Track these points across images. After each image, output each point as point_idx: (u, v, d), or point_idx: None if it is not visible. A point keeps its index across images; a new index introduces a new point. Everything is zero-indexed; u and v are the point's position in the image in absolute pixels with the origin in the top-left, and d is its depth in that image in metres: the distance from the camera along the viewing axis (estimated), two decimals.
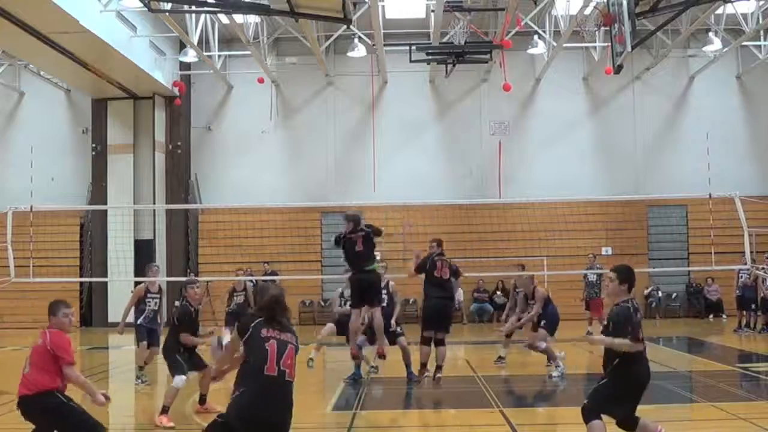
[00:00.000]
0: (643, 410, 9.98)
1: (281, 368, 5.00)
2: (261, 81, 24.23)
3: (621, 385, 6.33)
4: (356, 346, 11.63)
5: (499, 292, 24.17)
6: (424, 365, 10.90)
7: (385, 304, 11.88)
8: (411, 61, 19.64)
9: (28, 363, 6.51)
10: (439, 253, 11.26)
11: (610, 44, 14.06)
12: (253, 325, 5.13)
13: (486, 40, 20.96)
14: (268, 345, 5.02)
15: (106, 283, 23.74)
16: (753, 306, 19.28)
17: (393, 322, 12.00)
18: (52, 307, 6.55)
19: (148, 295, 12.52)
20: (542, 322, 12.63)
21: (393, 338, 11.97)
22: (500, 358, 13.86)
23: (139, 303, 12.57)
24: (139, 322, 12.37)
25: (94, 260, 24.65)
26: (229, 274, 23.90)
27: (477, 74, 25.13)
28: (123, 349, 19.42)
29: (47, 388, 6.30)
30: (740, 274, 19.26)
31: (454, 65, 19.30)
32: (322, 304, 24.07)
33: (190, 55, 23.38)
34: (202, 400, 9.90)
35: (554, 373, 12.14)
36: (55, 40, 18.90)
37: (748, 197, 17.18)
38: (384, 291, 12.05)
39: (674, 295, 24.70)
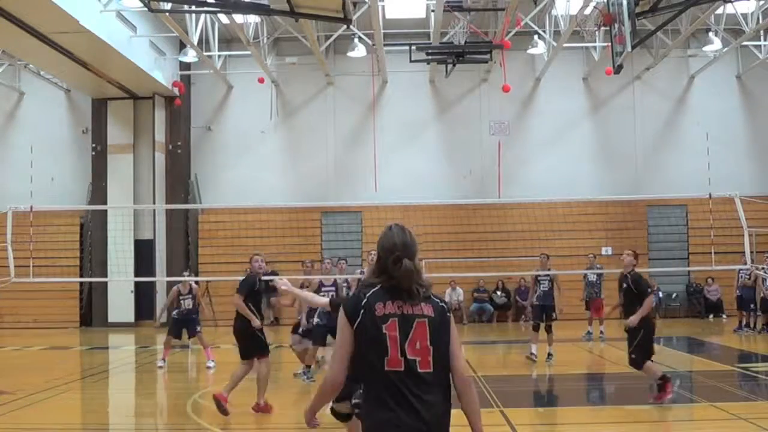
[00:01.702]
0: (643, 410, 10.02)
1: (408, 357, 3.47)
2: (261, 81, 24.23)
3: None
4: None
5: (499, 292, 24.19)
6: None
7: None
8: (411, 61, 19.64)
9: None
10: None
11: (610, 44, 14.06)
12: (364, 302, 3.55)
13: (486, 40, 20.95)
14: (386, 328, 3.50)
15: (106, 283, 23.75)
16: (752, 306, 19.27)
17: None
18: None
19: (323, 289, 12.40)
20: (300, 329, 12.42)
21: None
22: (549, 354, 14.26)
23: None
24: (315, 321, 12.12)
25: (94, 260, 24.65)
26: (229, 274, 23.95)
27: (477, 74, 25.13)
28: (123, 349, 19.44)
29: None
30: (740, 274, 19.26)
31: (454, 65, 19.30)
32: None
33: (190, 55, 23.39)
34: None
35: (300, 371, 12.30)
36: (55, 40, 18.90)
37: (748, 197, 17.18)
38: None
39: (674, 295, 24.70)
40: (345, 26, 19.86)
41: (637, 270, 10.37)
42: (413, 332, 3.50)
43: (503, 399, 10.59)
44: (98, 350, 19.26)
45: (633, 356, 9.87)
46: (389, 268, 3.59)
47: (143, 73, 22.30)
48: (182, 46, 23.65)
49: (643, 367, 9.78)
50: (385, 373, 3.47)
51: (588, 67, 25.17)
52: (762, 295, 18.58)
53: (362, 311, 3.53)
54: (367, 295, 3.57)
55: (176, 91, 24.41)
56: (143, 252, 24.01)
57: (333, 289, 12.36)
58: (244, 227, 23.76)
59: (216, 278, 22.05)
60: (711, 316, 23.64)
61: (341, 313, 3.60)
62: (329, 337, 11.43)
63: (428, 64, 22.00)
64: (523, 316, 23.81)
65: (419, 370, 3.47)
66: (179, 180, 25.04)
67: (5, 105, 26.27)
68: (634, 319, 9.72)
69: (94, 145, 24.91)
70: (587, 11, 18.36)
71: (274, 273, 23.05)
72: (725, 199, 15.63)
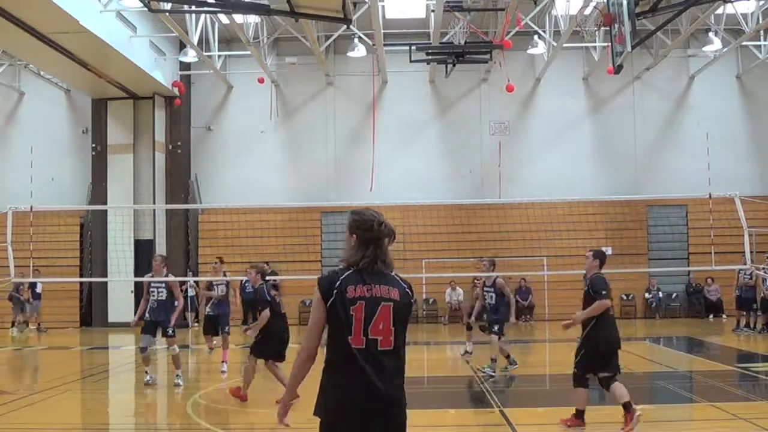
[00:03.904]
0: (642, 410, 10.01)
1: (370, 337, 3.81)
2: (261, 81, 24.24)
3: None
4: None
5: None
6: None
7: (493, 302, 12.67)
8: (411, 61, 19.65)
9: None
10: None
11: (610, 44, 14.07)
12: (338, 284, 3.87)
13: (486, 40, 20.96)
14: (353, 309, 3.83)
15: (106, 283, 23.74)
16: (754, 306, 19.24)
17: (513, 318, 13.09)
18: None
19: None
20: (169, 331, 12.09)
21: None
22: (467, 352, 14.61)
23: None
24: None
25: (94, 260, 24.65)
26: (230, 275, 23.94)
27: (477, 74, 25.14)
28: (123, 349, 19.44)
29: None
30: (740, 274, 19.24)
31: (454, 65, 19.31)
32: None
33: (190, 55, 23.39)
34: None
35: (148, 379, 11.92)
36: (55, 40, 18.90)
37: (748, 197, 17.18)
38: (491, 289, 12.83)
39: (674, 295, 24.70)
40: (345, 26, 19.86)
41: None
42: (378, 314, 3.84)
43: (503, 399, 10.59)
44: (98, 350, 19.25)
45: (575, 370, 8.49)
46: (374, 230, 3.93)
47: (143, 73, 22.29)
48: (182, 46, 23.64)
49: (610, 388, 8.26)
50: (349, 349, 3.80)
51: (588, 67, 25.17)
52: (762, 295, 18.57)
53: (335, 292, 3.85)
54: (341, 278, 3.89)
55: (176, 91, 24.41)
56: (143, 252, 23.98)
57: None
58: (244, 227, 23.77)
59: (216, 278, 22.01)
60: (711, 316, 23.63)
61: (317, 291, 3.89)
62: None
63: (428, 64, 22.00)
64: (522, 316, 23.81)
65: (379, 348, 3.83)
66: (179, 180, 25.03)
67: (5, 105, 26.27)
68: (577, 317, 8.35)
69: (94, 145, 24.91)
70: (587, 11, 18.39)
71: (273, 273, 23.16)
72: (725, 199, 15.63)
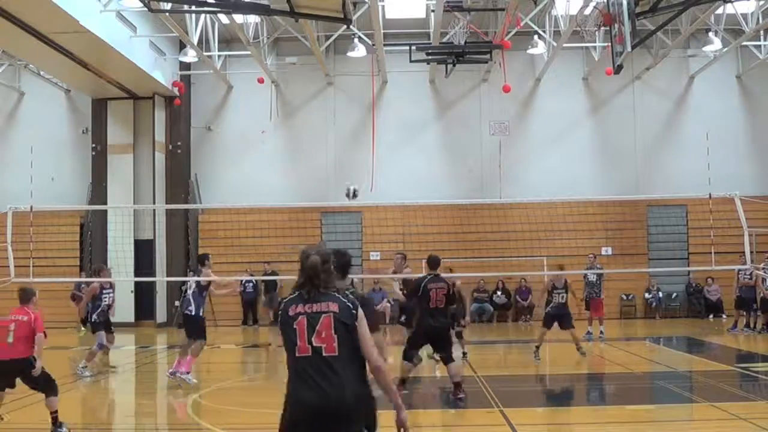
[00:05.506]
0: (643, 410, 10.03)
1: (314, 345, 4.40)
2: (261, 81, 24.24)
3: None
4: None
5: (499, 292, 24.19)
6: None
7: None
8: (411, 61, 19.64)
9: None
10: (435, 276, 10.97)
11: (610, 44, 14.07)
12: (282, 307, 4.60)
13: (486, 40, 20.94)
14: (296, 324, 4.47)
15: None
16: (754, 306, 19.24)
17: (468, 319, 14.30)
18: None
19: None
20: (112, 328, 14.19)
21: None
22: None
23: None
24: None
25: (94, 260, 24.60)
26: (230, 274, 23.99)
27: (477, 74, 25.13)
28: (123, 349, 19.43)
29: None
30: (740, 274, 19.23)
31: (454, 65, 19.30)
32: None
33: (190, 55, 23.38)
34: None
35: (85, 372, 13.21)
36: (55, 40, 18.90)
37: (748, 197, 17.17)
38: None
39: (674, 295, 24.70)
40: (345, 26, 19.85)
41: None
42: (319, 325, 4.43)
43: (503, 399, 10.59)
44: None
45: (405, 347, 10.96)
46: (303, 265, 4.59)
47: (143, 73, 22.29)
48: (182, 46, 23.64)
49: (447, 366, 10.48)
50: (296, 359, 4.43)
51: (588, 67, 25.17)
52: (762, 295, 18.57)
53: (281, 313, 4.56)
54: (284, 301, 4.60)
55: (176, 91, 24.41)
56: (143, 252, 24.00)
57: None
58: (244, 227, 23.75)
59: (216, 278, 22.00)
60: (711, 316, 23.64)
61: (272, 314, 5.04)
62: None
63: (428, 64, 21.99)
64: (522, 317, 23.87)
65: (324, 354, 4.39)
66: (179, 180, 25.02)
67: (5, 105, 26.27)
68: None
69: (94, 145, 24.90)
70: (587, 11, 18.38)
71: (274, 273, 23.18)
72: (725, 199, 15.61)
